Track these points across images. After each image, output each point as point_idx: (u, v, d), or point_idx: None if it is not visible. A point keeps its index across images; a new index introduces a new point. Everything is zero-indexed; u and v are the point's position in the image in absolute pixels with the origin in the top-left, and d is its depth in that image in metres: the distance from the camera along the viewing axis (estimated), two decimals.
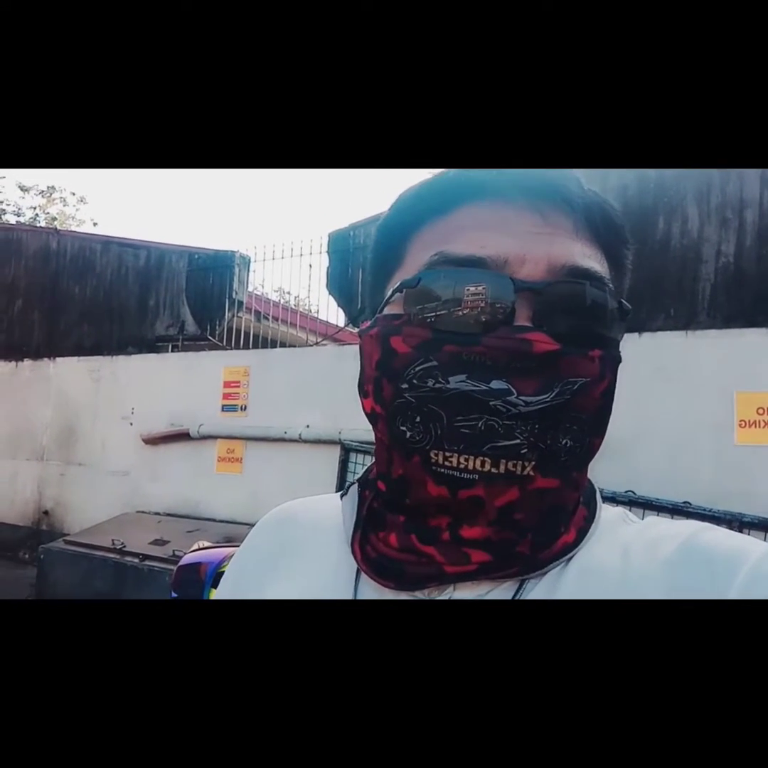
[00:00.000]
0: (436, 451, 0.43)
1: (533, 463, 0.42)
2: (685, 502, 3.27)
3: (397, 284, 0.46)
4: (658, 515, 3.12)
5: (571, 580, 0.44)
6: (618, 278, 0.48)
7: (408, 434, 0.44)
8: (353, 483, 0.55)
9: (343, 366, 4.76)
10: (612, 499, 3.17)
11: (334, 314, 6.18)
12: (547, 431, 0.42)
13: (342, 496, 0.55)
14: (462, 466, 0.42)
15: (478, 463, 0.42)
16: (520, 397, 0.41)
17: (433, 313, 0.44)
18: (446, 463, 0.43)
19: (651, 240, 4.19)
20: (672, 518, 3.12)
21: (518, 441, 0.41)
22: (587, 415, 0.44)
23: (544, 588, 0.44)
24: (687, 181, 4.13)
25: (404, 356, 0.44)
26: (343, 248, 5.57)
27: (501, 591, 0.45)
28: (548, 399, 0.41)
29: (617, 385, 0.46)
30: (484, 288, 0.42)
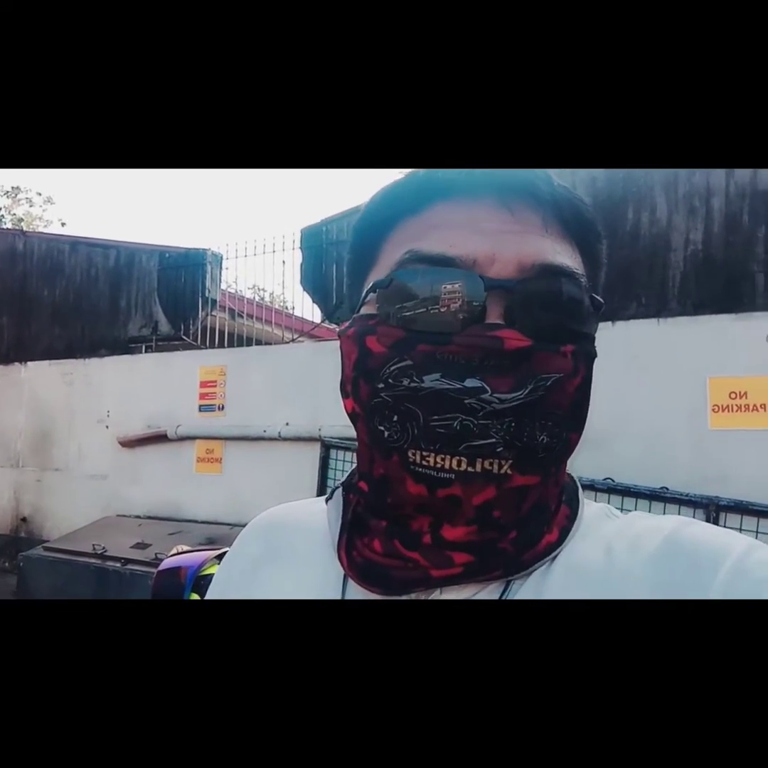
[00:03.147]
0: (413, 451, 0.43)
1: (510, 461, 0.42)
2: (662, 488, 3.33)
3: (371, 284, 0.47)
4: (636, 501, 3.18)
5: (557, 580, 0.45)
6: (592, 272, 0.48)
7: (386, 434, 0.44)
8: (337, 487, 0.55)
9: (320, 362, 4.75)
10: (591, 487, 3.22)
11: (309, 310, 6.15)
12: (523, 428, 0.42)
13: (327, 500, 0.55)
14: (439, 465, 0.42)
15: (454, 462, 0.42)
16: (495, 395, 0.41)
17: (406, 313, 0.44)
18: (424, 463, 0.43)
19: (621, 230, 4.24)
20: (650, 505, 3.18)
21: (494, 440, 0.42)
22: (562, 411, 0.44)
23: (530, 589, 0.45)
24: (654, 171, 4.17)
25: (379, 356, 0.44)
26: (316, 244, 5.54)
27: (487, 593, 0.45)
28: (522, 396, 0.42)
29: (593, 377, 0.46)
30: (457, 287, 0.43)
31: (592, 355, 0.46)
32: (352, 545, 0.50)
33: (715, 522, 2.99)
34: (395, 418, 0.44)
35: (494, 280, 0.43)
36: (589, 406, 0.47)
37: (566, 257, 0.45)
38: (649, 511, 3.12)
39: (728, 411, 3.66)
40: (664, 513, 3.13)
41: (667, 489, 3.31)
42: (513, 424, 0.42)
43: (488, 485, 0.43)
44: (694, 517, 3.00)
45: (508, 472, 0.42)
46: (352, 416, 0.49)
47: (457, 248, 0.43)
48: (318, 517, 0.55)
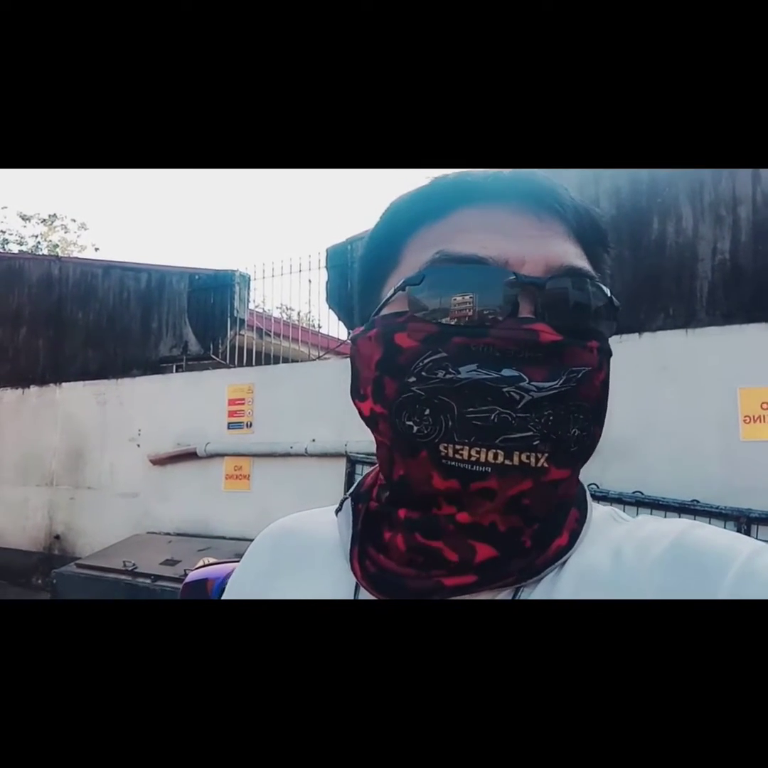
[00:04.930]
0: (445, 445, 0.43)
1: (546, 454, 0.42)
2: (693, 501, 3.26)
3: (399, 283, 0.47)
4: (665, 514, 3.12)
5: (567, 585, 0.45)
6: (601, 280, 0.49)
7: (415, 428, 0.44)
8: (346, 498, 0.55)
9: (346, 379, 4.73)
10: (619, 500, 3.17)
11: (335, 328, 6.21)
12: (558, 421, 0.42)
13: (336, 511, 0.55)
14: (473, 458, 0.42)
15: (490, 455, 0.42)
16: (533, 383, 0.42)
17: (440, 308, 0.44)
18: (457, 456, 0.43)
19: (646, 240, 4.21)
20: (680, 517, 3.12)
21: (531, 433, 0.42)
22: (590, 404, 0.44)
23: (541, 594, 0.45)
24: (679, 181, 4.14)
25: (410, 351, 0.45)
26: (341, 263, 5.59)
27: (499, 598, 0.45)
28: (558, 386, 0.42)
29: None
30: (491, 283, 0.44)
31: (610, 354, 0.48)
32: (365, 555, 0.50)
33: (747, 535, 2.91)
34: (427, 411, 0.43)
35: (526, 277, 0.44)
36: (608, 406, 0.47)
37: (585, 262, 0.47)
38: None
39: (760, 421, 3.58)
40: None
41: (697, 501, 3.24)
42: (551, 417, 0.42)
43: (525, 479, 0.43)
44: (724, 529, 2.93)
45: (545, 465, 0.42)
46: (371, 418, 0.48)
47: (489, 250, 0.44)
48: (328, 527, 0.55)
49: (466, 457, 0.42)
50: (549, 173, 0.47)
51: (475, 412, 0.42)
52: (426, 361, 0.44)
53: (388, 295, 0.48)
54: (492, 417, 0.42)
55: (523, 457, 0.42)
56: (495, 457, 0.42)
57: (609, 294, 0.47)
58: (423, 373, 0.44)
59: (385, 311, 0.48)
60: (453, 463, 0.43)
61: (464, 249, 0.45)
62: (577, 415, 0.43)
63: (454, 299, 0.44)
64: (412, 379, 0.44)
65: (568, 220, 0.46)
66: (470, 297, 0.44)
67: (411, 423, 0.44)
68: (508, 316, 0.43)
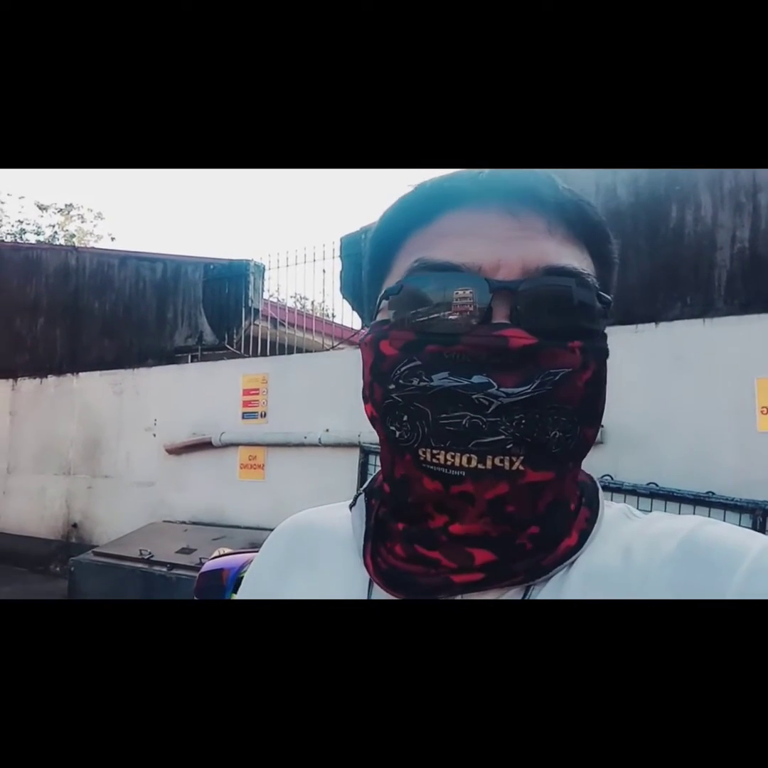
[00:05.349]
0: (423, 449, 0.44)
1: (521, 457, 0.43)
2: (708, 492, 3.24)
3: (384, 291, 0.48)
4: (680, 506, 3.10)
5: (576, 584, 0.45)
6: (603, 271, 0.49)
7: (397, 433, 0.46)
8: (360, 493, 0.56)
9: (359, 369, 4.76)
10: (633, 492, 3.15)
11: (349, 317, 6.21)
12: (533, 425, 0.43)
13: (350, 506, 0.56)
14: (449, 462, 0.43)
15: (464, 459, 0.43)
16: (501, 390, 0.42)
17: (417, 317, 0.45)
18: (434, 461, 0.44)
19: (664, 228, 4.15)
20: (695, 509, 3.09)
21: (503, 437, 0.42)
22: (574, 406, 0.44)
23: (549, 593, 0.45)
24: (698, 168, 4.08)
25: (391, 358, 0.46)
26: (355, 252, 5.58)
27: (507, 598, 0.46)
28: (530, 390, 0.42)
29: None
30: (464, 291, 0.44)
31: (603, 352, 0.47)
32: (377, 551, 0.50)
33: (762, 527, 2.89)
34: (405, 417, 0.45)
35: (499, 281, 0.44)
36: (605, 403, 0.47)
37: (572, 258, 0.46)
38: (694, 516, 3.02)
39: None
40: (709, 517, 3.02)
41: (713, 493, 3.21)
42: (522, 421, 0.42)
43: (500, 482, 0.43)
44: (740, 522, 2.91)
45: (520, 468, 0.43)
46: (372, 420, 0.50)
47: (463, 256, 0.45)
48: (344, 522, 0.56)
49: (442, 461, 0.44)
50: (556, 170, 0.47)
51: (448, 418, 0.43)
52: (403, 369, 0.45)
53: (378, 302, 0.50)
54: (463, 422, 0.43)
55: (497, 460, 0.43)
56: (469, 461, 0.43)
57: (597, 290, 0.47)
58: (400, 381, 0.45)
59: (378, 317, 0.50)
60: (432, 467, 0.44)
61: (441, 256, 0.45)
62: (557, 418, 0.43)
63: (429, 308, 0.45)
64: (392, 386, 0.46)
65: (551, 216, 0.45)
66: (444, 305, 0.44)
67: (394, 428, 0.46)
68: (481, 323, 0.44)
